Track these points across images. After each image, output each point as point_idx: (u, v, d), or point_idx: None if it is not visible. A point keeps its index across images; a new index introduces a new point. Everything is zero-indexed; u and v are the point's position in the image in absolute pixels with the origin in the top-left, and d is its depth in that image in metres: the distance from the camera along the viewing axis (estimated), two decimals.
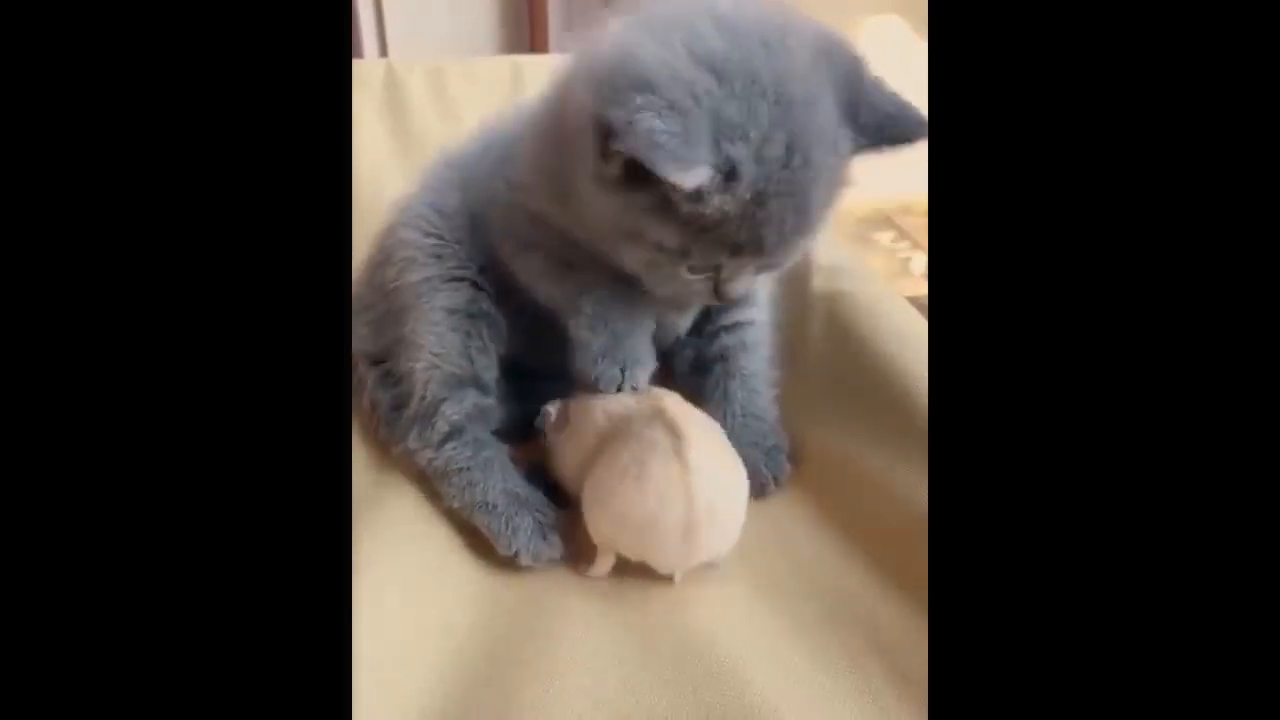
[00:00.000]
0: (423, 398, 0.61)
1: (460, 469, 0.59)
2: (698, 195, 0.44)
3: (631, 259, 0.51)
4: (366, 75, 1.08)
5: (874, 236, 1.76)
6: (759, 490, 0.61)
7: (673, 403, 0.56)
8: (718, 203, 0.44)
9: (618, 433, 0.55)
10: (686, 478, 0.50)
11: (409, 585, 0.52)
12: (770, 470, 0.62)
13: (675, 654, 0.48)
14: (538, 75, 1.13)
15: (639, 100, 0.42)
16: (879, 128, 0.47)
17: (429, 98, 1.09)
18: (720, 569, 0.54)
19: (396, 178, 0.93)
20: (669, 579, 0.53)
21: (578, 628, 0.50)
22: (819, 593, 0.53)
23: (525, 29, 2.07)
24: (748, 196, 0.44)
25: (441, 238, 0.63)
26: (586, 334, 0.56)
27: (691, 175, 0.42)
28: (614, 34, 0.48)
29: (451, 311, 0.62)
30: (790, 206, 0.45)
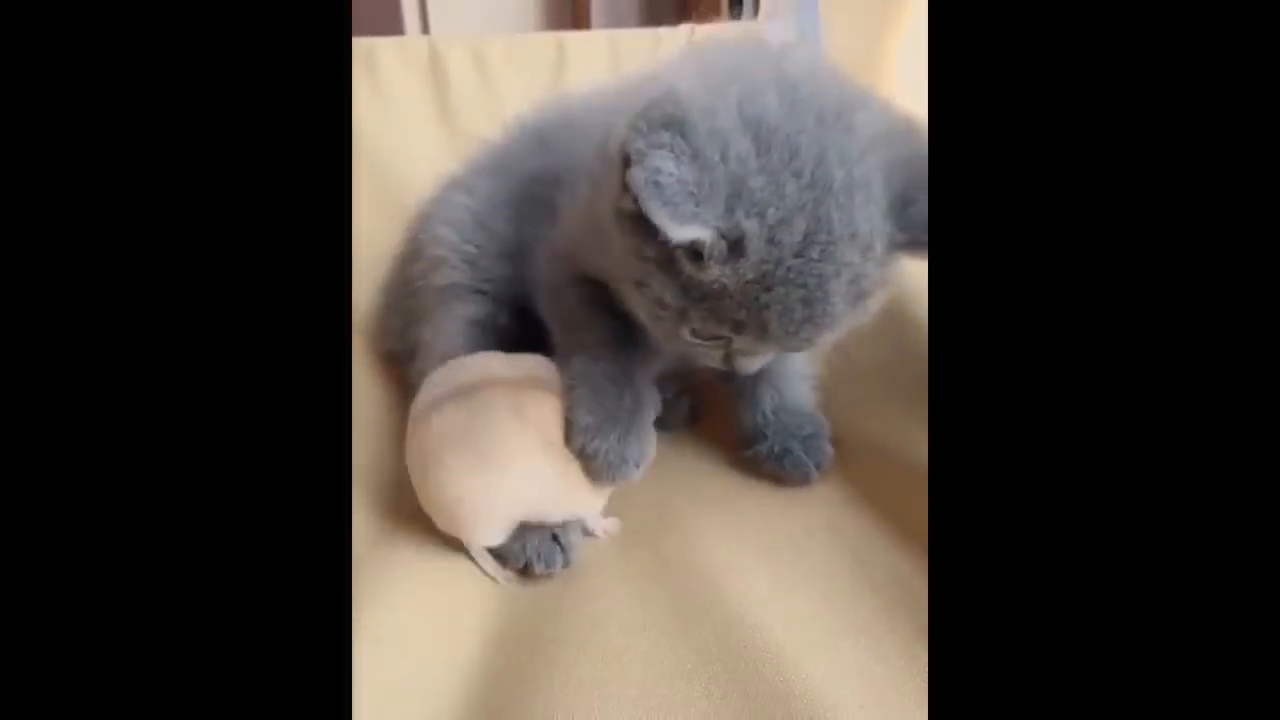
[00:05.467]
0: None
1: None
2: (697, 257, 0.42)
3: (638, 307, 0.49)
4: (411, 52, 1.08)
5: None
6: (802, 478, 0.61)
7: (517, 377, 0.54)
8: (717, 273, 0.42)
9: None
10: (423, 430, 0.52)
11: (426, 602, 0.50)
12: (811, 458, 0.62)
13: (722, 643, 0.47)
14: (581, 52, 1.12)
15: (664, 137, 0.40)
16: (926, 224, 0.42)
17: (472, 74, 1.09)
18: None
19: (439, 155, 0.93)
20: (712, 568, 0.53)
21: (621, 612, 0.50)
22: (869, 577, 0.52)
23: (568, 6, 2.05)
24: (750, 276, 0.42)
25: (477, 245, 0.62)
26: (571, 403, 0.52)
27: (684, 230, 0.40)
28: (676, 66, 0.46)
29: (472, 322, 0.62)
30: (799, 298, 0.42)
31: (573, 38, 1.14)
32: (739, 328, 0.45)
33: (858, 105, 0.43)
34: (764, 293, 0.42)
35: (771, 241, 0.41)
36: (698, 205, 0.40)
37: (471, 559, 0.53)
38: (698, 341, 0.48)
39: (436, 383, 0.55)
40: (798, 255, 0.41)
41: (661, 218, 0.39)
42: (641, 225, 0.42)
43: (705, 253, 0.41)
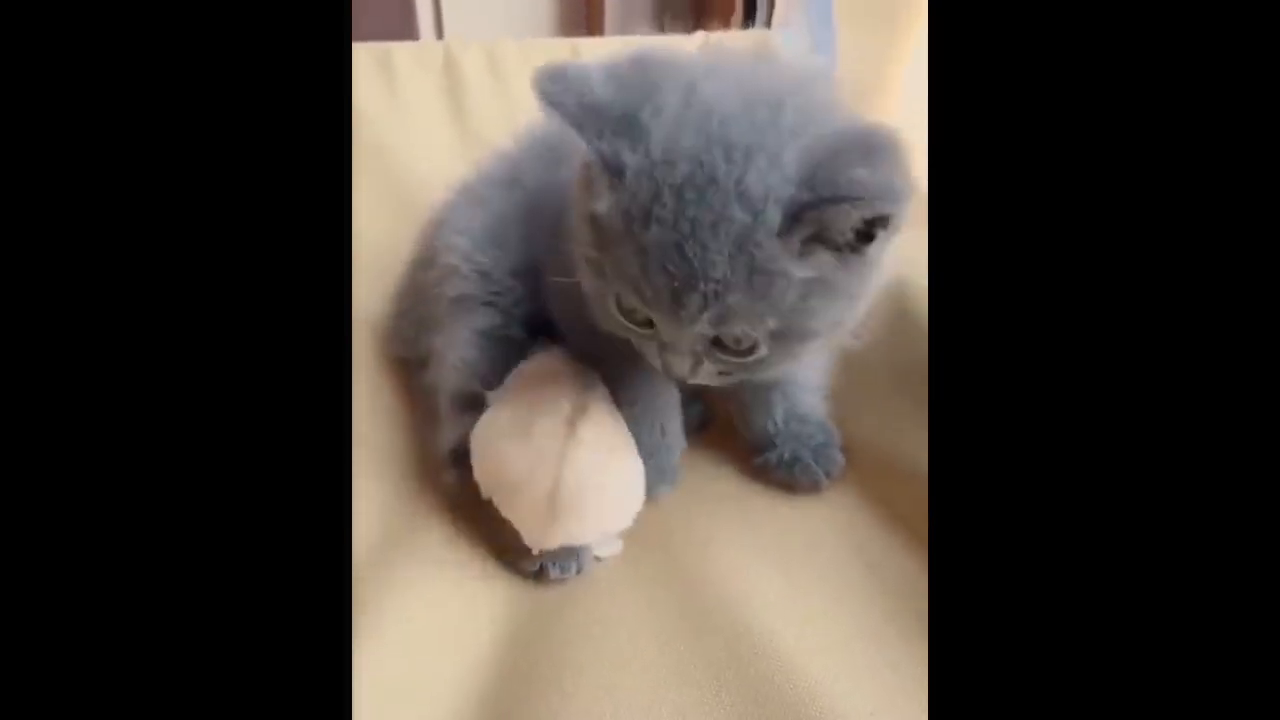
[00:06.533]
0: (445, 413, 0.62)
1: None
2: (600, 173, 0.43)
3: (595, 302, 0.50)
4: (426, 56, 1.08)
5: None
6: (813, 486, 0.61)
7: (596, 397, 0.57)
8: (607, 204, 0.43)
9: (527, 388, 0.56)
10: (570, 446, 0.51)
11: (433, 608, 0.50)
12: (822, 466, 0.61)
13: (732, 649, 0.47)
14: (595, 57, 1.12)
15: (600, 72, 0.44)
16: (839, 186, 0.40)
17: (486, 77, 1.09)
18: (602, 559, 0.55)
19: (454, 157, 0.93)
20: (722, 573, 0.53)
21: (631, 618, 0.50)
22: (880, 582, 0.52)
23: (582, 13, 2.06)
24: (630, 207, 0.42)
25: (490, 258, 0.63)
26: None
27: (587, 134, 0.42)
28: None
29: (482, 333, 0.62)
30: (673, 241, 0.42)
31: (587, 43, 1.14)
32: (640, 294, 0.44)
33: (796, 93, 0.44)
34: (643, 232, 0.42)
35: (648, 174, 0.42)
36: (600, 122, 0.42)
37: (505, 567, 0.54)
38: (629, 325, 0.48)
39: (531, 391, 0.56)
40: (678, 198, 0.41)
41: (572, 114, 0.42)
42: (584, 187, 0.45)
43: (596, 163, 0.43)
